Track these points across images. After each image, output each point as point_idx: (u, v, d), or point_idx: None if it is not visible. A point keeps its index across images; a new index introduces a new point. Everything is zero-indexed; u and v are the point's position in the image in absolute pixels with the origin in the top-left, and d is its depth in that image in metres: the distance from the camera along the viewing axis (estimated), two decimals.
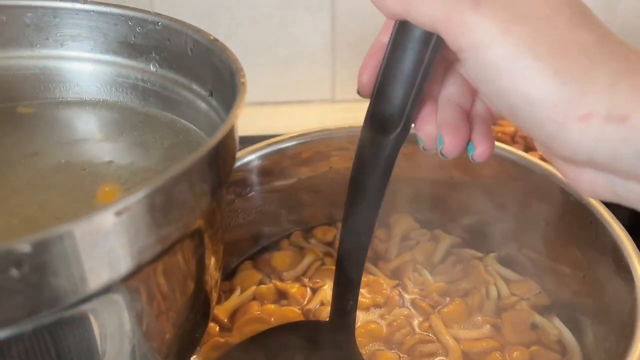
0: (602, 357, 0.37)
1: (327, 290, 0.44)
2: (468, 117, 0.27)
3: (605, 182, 0.22)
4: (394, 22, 0.26)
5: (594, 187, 0.23)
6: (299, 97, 0.80)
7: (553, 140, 0.21)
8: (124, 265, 0.20)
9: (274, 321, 0.41)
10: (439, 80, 0.28)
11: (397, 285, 0.45)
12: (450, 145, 0.26)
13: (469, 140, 0.27)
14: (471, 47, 0.22)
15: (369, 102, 0.28)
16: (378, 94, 0.27)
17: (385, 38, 0.27)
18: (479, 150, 0.26)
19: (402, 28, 0.25)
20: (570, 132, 0.20)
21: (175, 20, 0.29)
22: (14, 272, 0.16)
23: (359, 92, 0.28)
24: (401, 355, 0.39)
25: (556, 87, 0.20)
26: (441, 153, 0.26)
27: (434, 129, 0.27)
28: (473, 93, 0.28)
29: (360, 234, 0.31)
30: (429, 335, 0.41)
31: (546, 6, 0.21)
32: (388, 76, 0.27)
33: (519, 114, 0.22)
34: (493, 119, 0.28)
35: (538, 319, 0.42)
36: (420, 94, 0.26)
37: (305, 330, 0.38)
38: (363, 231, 0.31)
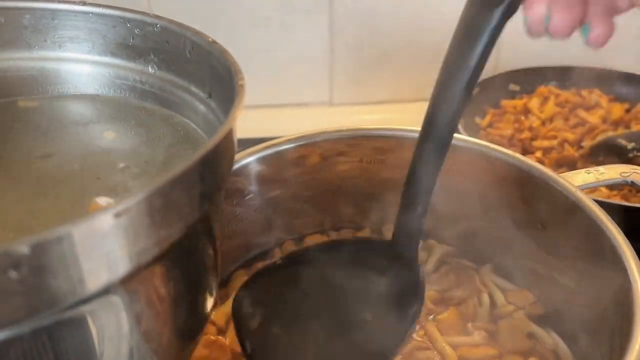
0: None
1: None
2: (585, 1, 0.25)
3: None
4: None
5: None
6: (297, 100, 0.80)
7: None
8: (122, 267, 0.20)
9: None
10: None
11: None
12: (558, 22, 0.24)
13: (581, 22, 0.25)
14: None
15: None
16: None
17: None
18: (595, 33, 0.25)
19: None
20: None
21: (174, 22, 0.29)
22: (13, 274, 0.16)
23: None
24: None
25: None
26: (547, 30, 0.25)
27: (544, 8, 0.25)
28: None
29: (447, 119, 0.30)
30: (425, 343, 0.40)
31: None
32: None
33: None
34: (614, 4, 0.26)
35: (534, 328, 0.42)
36: None
37: (364, 248, 0.36)
38: (449, 116, 0.30)
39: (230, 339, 0.40)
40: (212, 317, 0.41)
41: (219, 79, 0.27)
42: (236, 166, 0.43)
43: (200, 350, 0.39)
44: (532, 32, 0.26)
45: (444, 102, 0.30)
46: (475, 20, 0.27)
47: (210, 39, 0.27)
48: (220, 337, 0.40)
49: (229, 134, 0.23)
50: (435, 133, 0.31)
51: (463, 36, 0.28)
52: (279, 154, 0.45)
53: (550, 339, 0.41)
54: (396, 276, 0.34)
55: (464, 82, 0.29)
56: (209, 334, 0.41)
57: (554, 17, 0.25)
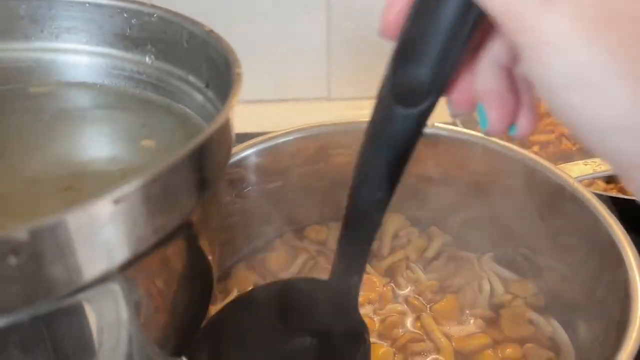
0: (596, 351, 0.37)
1: None
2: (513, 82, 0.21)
3: None
4: None
5: None
6: (294, 95, 0.80)
7: (624, 174, 0.18)
8: (120, 254, 0.20)
9: None
10: (479, 32, 0.20)
11: (390, 282, 0.45)
12: (496, 123, 0.21)
13: (515, 120, 0.21)
14: (534, 47, 0.17)
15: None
16: (403, 48, 0.20)
17: None
18: (523, 126, 0.21)
19: None
20: None
21: (171, 12, 0.29)
22: (12, 260, 0.16)
23: (382, 33, 0.21)
24: (396, 352, 0.39)
25: None
26: (486, 132, 0.22)
27: (472, 94, 0.21)
28: None
29: (371, 215, 0.25)
30: (420, 334, 0.41)
31: None
32: (418, 23, 0.20)
33: (584, 136, 0.18)
34: None
35: (533, 315, 0.42)
36: (460, 53, 0.20)
37: (301, 288, 0.33)
38: (374, 212, 0.25)
39: None
40: (211, 313, 0.41)
41: (216, 69, 0.27)
42: (235, 158, 0.43)
43: None
44: (455, 115, 0.22)
45: (361, 205, 0.25)
46: (388, 123, 0.22)
47: (207, 28, 0.27)
48: None
49: (226, 123, 0.23)
50: (356, 226, 0.27)
51: (374, 144, 0.23)
52: (277, 146, 0.45)
53: (549, 326, 0.41)
54: (338, 319, 0.32)
55: (382, 188, 0.24)
56: None
57: (490, 117, 0.21)
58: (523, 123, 0.21)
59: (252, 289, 0.36)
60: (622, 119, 0.16)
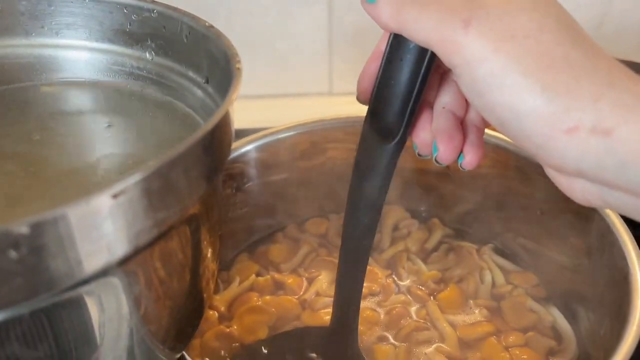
0: (597, 344, 0.37)
1: (322, 280, 0.44)
2: (462, 124, 0.28)
3: (595, 191, 0.23)
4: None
5: (585, 195, 0.24)
6: (296, 90, 0.80)
7: (542, 151, 0.23)
8: (120, 248, 0.20)
9: (274, 311, 0.41)
10: (434, 88, 0.28)
11: (391, 274, 0.45)
12: (444, 153, 0.27)
13: (462, 147, 0.28)
14: (464, 64, 0.23)
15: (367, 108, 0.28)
16: (376, 102, 0.28)
17: (384, 45, 0.27)
18: (468, 159, 0.27)
19: (397, 40, 0.26)
20: (558, 143, 0.22)
21: (171, 8, 0.29)
22: (13, 254, 0.17)
23: (358, 99, 0.29)
24: (398, 344, 0.40)
25: (543, 101, 0.21)
26: (436, 160, 0.28)
27: (429, 135, 0.28)
28: (467, 101, 0.28)
29: (362, 240, 0.32)
30: (425, 323, 0.41)
31: (533, 22, 0.22)
32: (385, 85, 0.27)
33: (508, 126, 0.23)
34: (485, 126, 0.29)
35: (534, 305, 0.42)
36: (417, 103, 0.27)
37: (306, 336, 0.39)
38: (364, 237, 0.31)
39: (236, 327, 0.41)
40: (214, 302, 0.42)
41: (216, 64, 0.27)
42: (236, 153, 0.43)
43: (212, 342, 0.39)
44: (421, 155, 0.29)
45: (354, 230, 0.31)
46: (370, 156, 0.29)
47: (206, 24, 0.27)
48: (230, 328, 0.40)
49: (227, 116, 0.23)
50: (351, 251, 0.33)
51: (361, 172, 0.29)
52: (278, 141, 0.45)
53: (550, 315, 0.41)
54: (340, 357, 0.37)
55: (369, 213, 0.30)
56: (211, 319, 0.41)
57: (439, 149, 0.27)
58: (467, 155, 0.28)
59: (256, 341, 0.39)
60: (531, 104, 0.22)
